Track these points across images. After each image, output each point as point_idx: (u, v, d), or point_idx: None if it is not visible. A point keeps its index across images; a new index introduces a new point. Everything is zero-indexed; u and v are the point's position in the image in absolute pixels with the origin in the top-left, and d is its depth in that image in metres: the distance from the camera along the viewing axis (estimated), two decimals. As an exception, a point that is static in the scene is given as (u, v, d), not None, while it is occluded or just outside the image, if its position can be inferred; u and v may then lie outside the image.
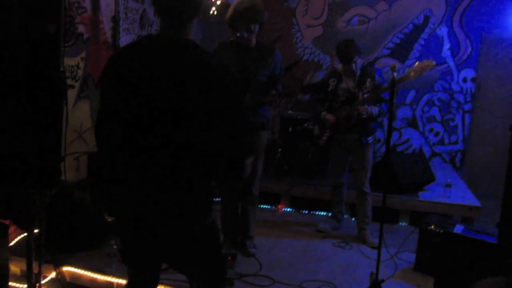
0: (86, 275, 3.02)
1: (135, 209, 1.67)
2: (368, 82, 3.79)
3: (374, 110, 3.76)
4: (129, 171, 1.65)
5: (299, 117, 5.35)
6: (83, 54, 4.15)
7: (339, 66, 3.96)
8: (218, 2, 4.76)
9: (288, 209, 4.82)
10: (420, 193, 4.58)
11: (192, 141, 1.59)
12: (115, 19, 4.51)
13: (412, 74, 3.47)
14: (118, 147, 1.65)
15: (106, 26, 4.44)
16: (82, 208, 3.41)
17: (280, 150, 5.19)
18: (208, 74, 1.59)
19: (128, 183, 1.67)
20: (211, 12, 4.95)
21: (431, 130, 6.25)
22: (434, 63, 3.51)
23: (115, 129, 1.64)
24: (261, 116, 3.32)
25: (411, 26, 6.14)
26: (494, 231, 2.50)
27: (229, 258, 3.32)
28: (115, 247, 3.11)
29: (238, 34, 3.07)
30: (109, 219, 3.59)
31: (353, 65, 3.82)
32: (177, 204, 1.66)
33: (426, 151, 6.22)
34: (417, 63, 3.53)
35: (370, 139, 3.90)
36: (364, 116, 3.73)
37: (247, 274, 3.18)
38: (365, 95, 3.76)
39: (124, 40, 4.66)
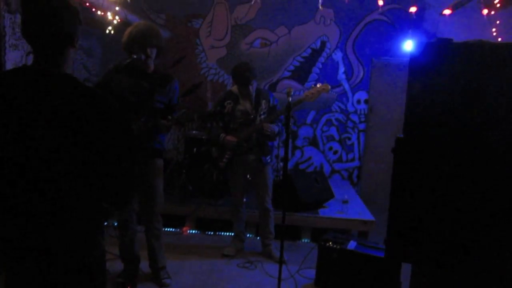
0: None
1: (19, 245, 1.52)
2: (264, 103, 3.91)
3: (275, 128, 3.87)
4: (8, 211, 1.51)
5: (203, 138, 5.33)
6: (-40, 71, 3.76)
7: (234, 88, 4.01)
8: (115, 22, 4.62)
9: (194, 231, 4.74)
10: (320, 210, 4.77)
11: (78, 172, 1.50)
12: None
13: (309, 96, 3.66)
14: None
15: (-10, 41, 4.08)
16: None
17: (184, 171, 5.11)
18: (89, 107, 1.50)
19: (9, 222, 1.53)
20: (107, 31, 4.78)
21: (330, 148, 6.60)
22: (329, 86, 3.73)
23: None
24: (156, 142, 3.21)
25: (309, 50, 6.48)
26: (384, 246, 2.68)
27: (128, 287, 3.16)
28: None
29: (135, 56, 2.97)
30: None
31: (250, 87, 3.91)
32: (62, 237, 1.54)
33: (326, 169, 6.55)
34: (313, 87, 3.74)
35: (269, 158, 4.02)
36: (268, 133, 3.81)
37: (148, 303, 3.05)
38: (262, 117, 3.87)
39: (11, 56, 4.30)
